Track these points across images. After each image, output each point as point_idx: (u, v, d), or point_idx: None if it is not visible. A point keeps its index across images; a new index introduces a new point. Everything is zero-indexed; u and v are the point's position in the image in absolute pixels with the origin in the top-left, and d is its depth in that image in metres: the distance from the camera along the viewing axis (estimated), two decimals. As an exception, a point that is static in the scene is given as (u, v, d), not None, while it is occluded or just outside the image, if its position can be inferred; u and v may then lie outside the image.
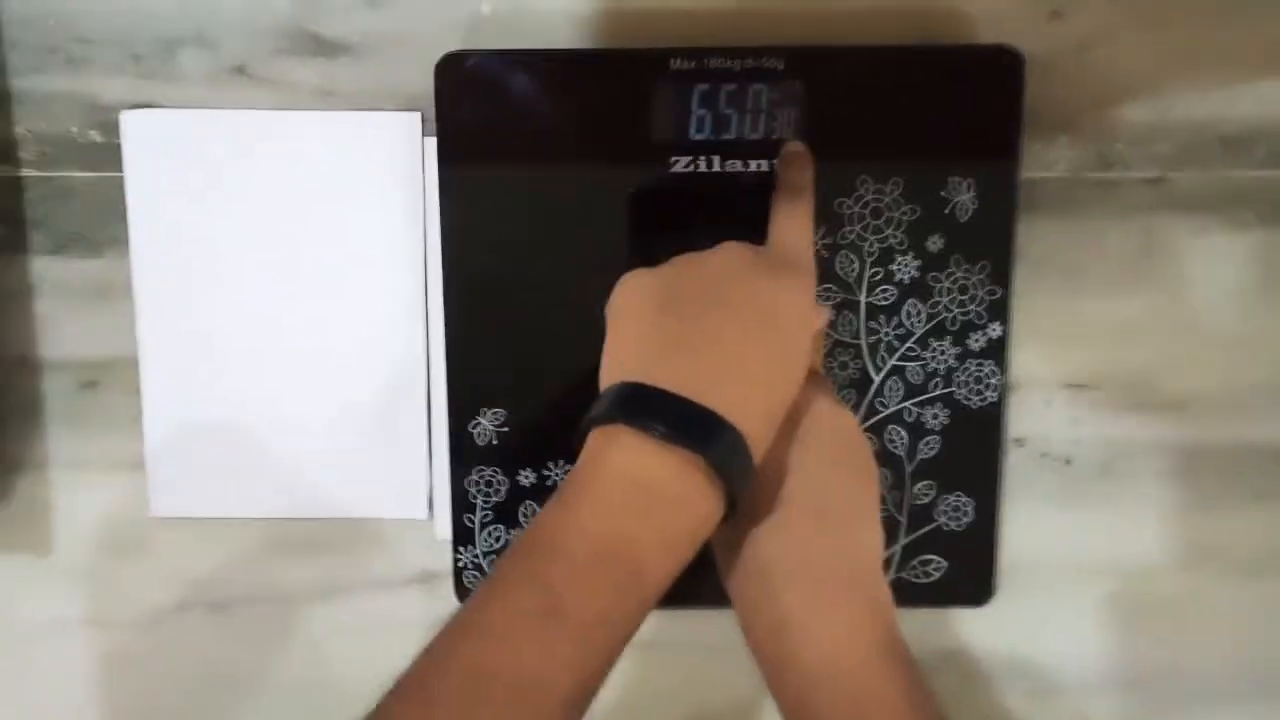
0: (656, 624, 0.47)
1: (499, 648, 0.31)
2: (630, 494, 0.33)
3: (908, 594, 0.44)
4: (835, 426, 0.38)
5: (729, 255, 0.37)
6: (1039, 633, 0.48)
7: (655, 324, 0.36)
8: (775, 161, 0.42)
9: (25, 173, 0.45)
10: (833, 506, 0.36)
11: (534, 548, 0.33)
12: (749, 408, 0.34)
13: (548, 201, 0.44)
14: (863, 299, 0.44)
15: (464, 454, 0.45)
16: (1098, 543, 0.47)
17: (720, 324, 0.35)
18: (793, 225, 0.39)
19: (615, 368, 0.36)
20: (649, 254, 0.43)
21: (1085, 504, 0.47)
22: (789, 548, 0.36)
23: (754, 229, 0.42)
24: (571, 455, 0.44)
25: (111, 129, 0.45)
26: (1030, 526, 0.47)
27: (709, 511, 0.34)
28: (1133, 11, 0.44)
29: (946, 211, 0.43)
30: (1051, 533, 0.47)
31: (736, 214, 0.43)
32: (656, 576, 0.33)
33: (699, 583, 0.45)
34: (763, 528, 0.36)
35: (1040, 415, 0.46)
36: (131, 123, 0.45)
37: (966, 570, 0.46)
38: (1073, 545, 0.47)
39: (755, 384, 0.35)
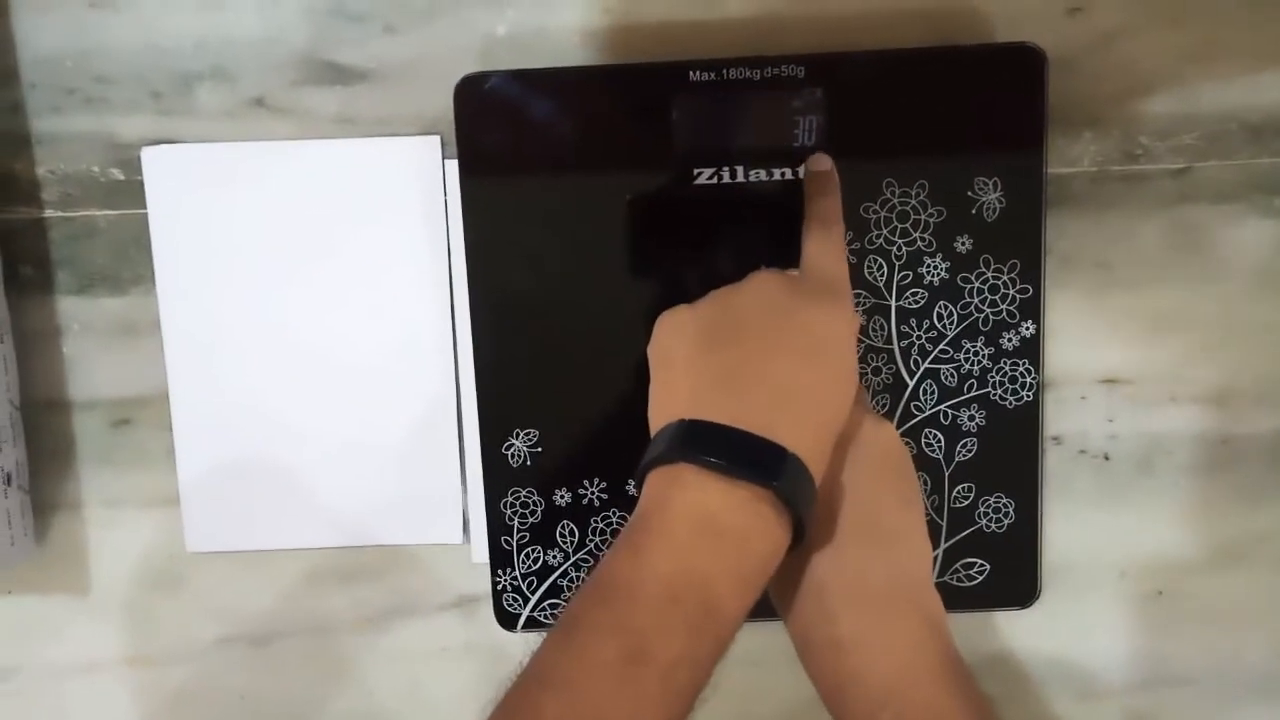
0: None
1: (585, 699, 0.30)
2: (700, 532, 0.32)
3: (951, 598, 0.43)
4: (876, 440, 0.38)
5: (765, 285, 0.37)
6: (1085, 633, 0.47)
7: (702, 361, 0.35)
8: (801, 174, 0.42)
9: (48, 214, 0.46)
10: (882, 522, 0.36)
11: (606, 594, 0.32)
12: (805, 435, 0.34)
13: (572, 219, 0.43)
14: (893, 303, 0.44)
15: (498, 476, 0.45)
16: (1139, 539, 0.47)
17: (767, 355, 0.35)
18: (826, 250, 0.39)
19: (666, 408, 0.36)
20: (676, 267, 0.43)
21: (1125, 500, 0.46)
22: (841, 567, 0.35)
23: (780, 238, 0.42)
24: (606, 472, 0.44)
25: (132, 166, 0.45)
26: (1071, 525, 0.46)
27: (778, 542, 0.33)
28: (1152, 4, 0.43)
29: (974, 212, 0.43)
30: (1093, 530, 0.46)
31: (762, 224, 0.43)
32: (732, 611, 0.33)
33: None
34: (814, 547, 0.36)
35: (1076, 412, 0.46)
36: (152, 159, 0.45)
37: (1009, 572, 0.45)
38: (1114, 542, 0.47)
39: (808, 411, 0.35)
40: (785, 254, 0.43)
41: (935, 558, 0.45)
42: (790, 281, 0.37)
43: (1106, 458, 0.46)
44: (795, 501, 0.33)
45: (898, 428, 0.44)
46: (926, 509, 0.44)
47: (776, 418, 0.34)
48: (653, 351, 0.38)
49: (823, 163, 0.41)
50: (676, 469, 0.33)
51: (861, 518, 0.36)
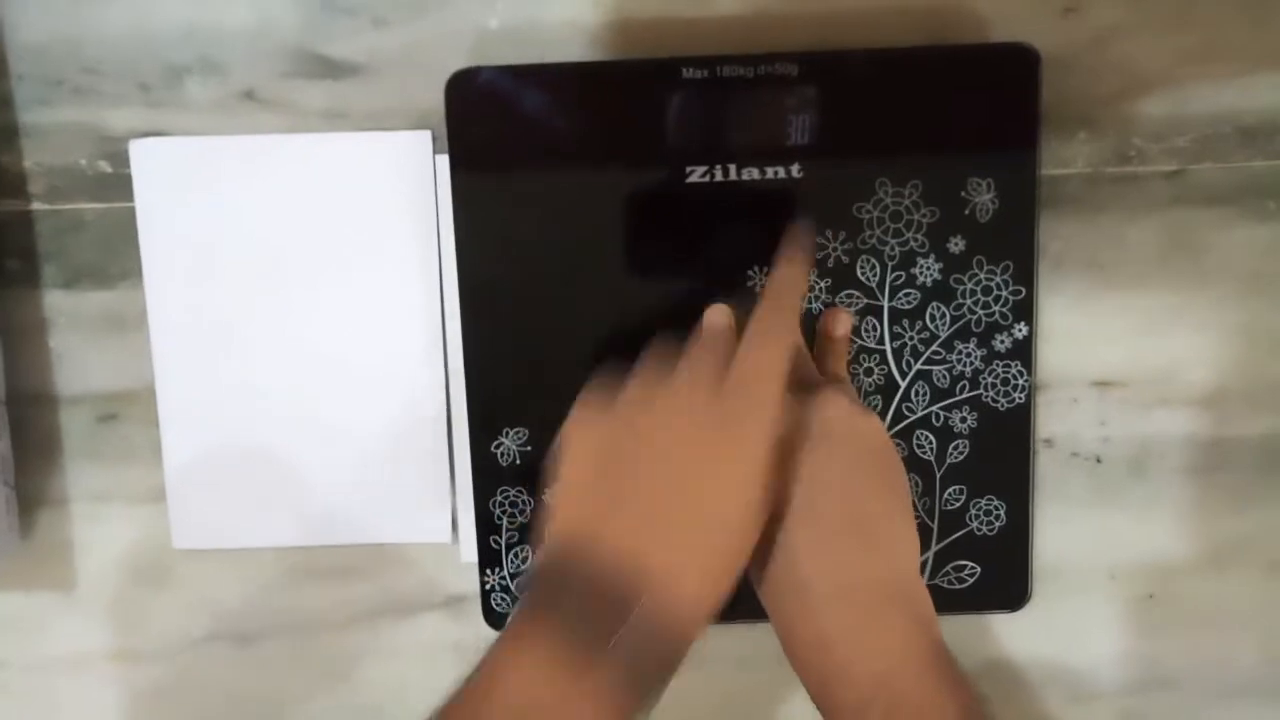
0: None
1: None
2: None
3: (942, 601, 0.43)
4: (861, 433, 0.37)
5: (679, 400, 0.36)
6: (1076, 636, 0.47)
7: (591, 482, 0.36)
8: (795, 172, 0.42)
9: (35, 206, 0.45)
10: (867, 518, 0.36)
11: None
12: (685, 570, 0.34)
13: (563, 216, 0.43)
14: (885, 304, 0.43)
15: (488, 475, 0.44)
16: (1131, 542, 0.47)
17: (656, 483, 0.35)
18: (762, 356, 0.36)
19: (554, 518, 0.36)
20: (668, 265, 0.43)
21: (1117, 503, 0.46)
22: (825, 565, 0.35)
23: (773, 236, 0.42)
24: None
25: (120, 159, 0.44)
26: (1063, 528, 0.46)
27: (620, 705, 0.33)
28: (1147, 5, 0.43)
29: (967, 212, 0.43)
30: (1084, 533, 0.46)
31: (755, 222, 0.43)
32: None
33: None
34: (798, 544, 0.35)
35: (1068, 415, 0.46)
36: (140, 152, 0.44)
37: (1000, 575, 0.45)
38: (1106, 545, 0.46)
39: (693, 545, 0.34)
40: (775, 253, 0.42)
41: (926, 560, 0.45)
42: (707, 396, 0.35)
43: (1098, 460, 0.46)
44: (636, 672, 0.33)
45: (889, 429, 0.44)
46: (917, 511, 0.44)
47: (653, 550, 0.33)
48: (555, 459, 0.37)
49: (795, 252, 0.40)
50: (529, 627, 0.34)
51: (846, 513, 0.36)
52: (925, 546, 0.45)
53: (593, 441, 0.37)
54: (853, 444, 0.37)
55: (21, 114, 0.44)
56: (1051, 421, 0.46)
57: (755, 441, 0.35)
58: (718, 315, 0.39)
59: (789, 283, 0.39)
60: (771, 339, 0.37)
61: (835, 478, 0.36)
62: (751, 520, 0.35)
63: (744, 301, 0.43)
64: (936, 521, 0.45)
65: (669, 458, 0.35)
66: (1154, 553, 0.47)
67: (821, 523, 0.35)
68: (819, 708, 0.35)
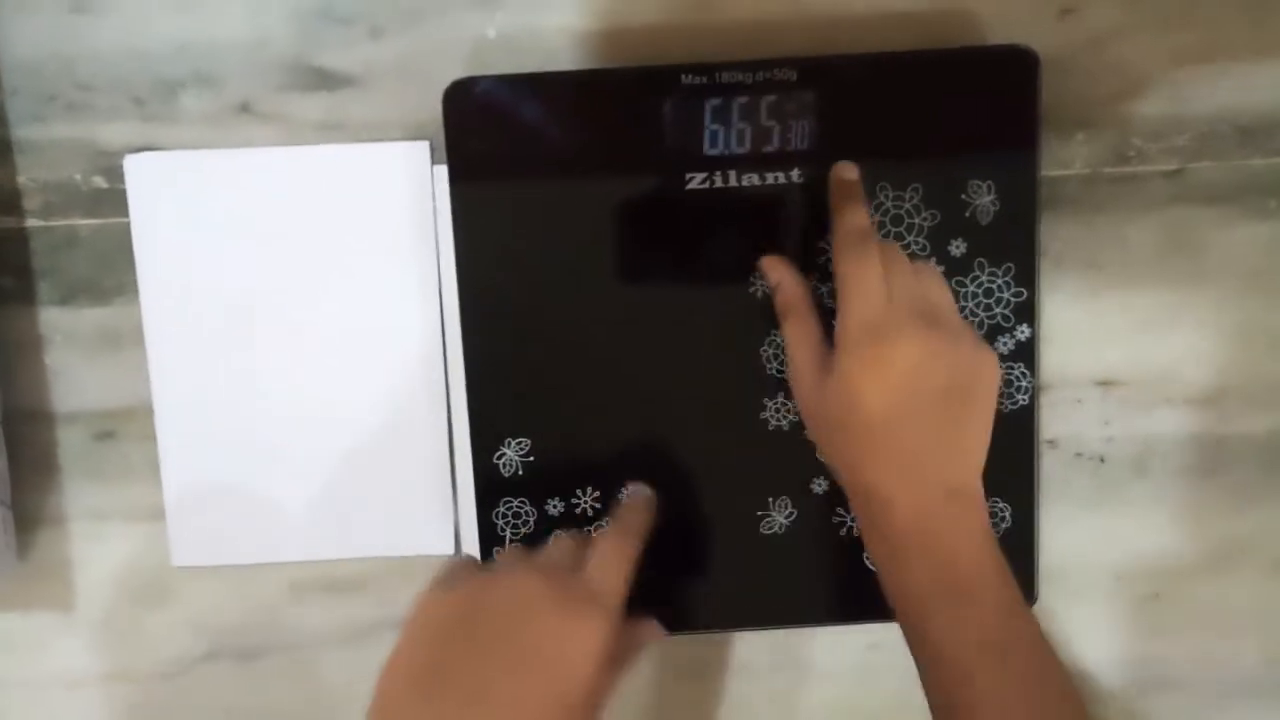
0: (690, 648, 0.46)
1: None
2: None
3: None
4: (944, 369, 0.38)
5: (525, 584, 0.37)
6: (1081, 636, 0.47)
7: (422, 660, 0.36)
8: (796, 176, 0.42)
9: (30, 223, 0.45)
10: (947, 421, 0.38)
11: None
12: None
13: (563, 224, 0.43)
14: (888, 308, 0.43)
15: (490, 486, 0.44)
16: (1135, 542, 0.47)
17: (485, 666, 0.35)
18: (611, 559, 0.38)
19: (377, 695, 0.36)
20: (669, 273, 0.43)
21: (1121, 503, 0.46)
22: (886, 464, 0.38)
23: (772, 243, 0.42)
24: (599, 481, 0.44)
25: (115, 174, 0.44)
26: (1068, 528, 0.46)
27: None
28: (1143, 6, 0.43)
29: (968, 215, 0.43)
30: (1089, 533, 0.46)
31: (754, 228, 0.43)
32: None
33: (730, 606, 0.45)
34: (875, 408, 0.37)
35: (1071, 415, 0.46)
36: (135, 167, 0.44)
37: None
38: (1110, 545, 0.46)
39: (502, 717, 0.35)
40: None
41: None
42: (551, 587, 0.37)
43: (1102, 460, 0.46)
44: None
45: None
46: None
47: None
48: (401, 629, 0.37)
49: (641, 487, 0.43)
50: None
51: (928, 408, 0.38)
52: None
53: (436, 615, 0.37)
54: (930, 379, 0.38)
55: (15, 130, 0.44)
56: (1055, 422, 0.46)
57: (591, 633, 0.36)
58: None
59: (635, 506, 0.42)
60: (623, 547, 0.39)
61: (925, 382, 0.37)
62: (581, 709, 0.36)
63: (744, 307, 0.43)
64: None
65: (502, 638, 0.36)
66: (1158, 553, 0.47)
67: (904, 404, 0.37)
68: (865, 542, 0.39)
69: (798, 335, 0.40)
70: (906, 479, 0.37)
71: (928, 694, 0.38)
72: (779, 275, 0.41)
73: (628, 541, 0.40)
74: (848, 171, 0.41)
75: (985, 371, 0.38)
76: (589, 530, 0.44)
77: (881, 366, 0.37)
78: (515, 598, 0.37)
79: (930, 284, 0.39)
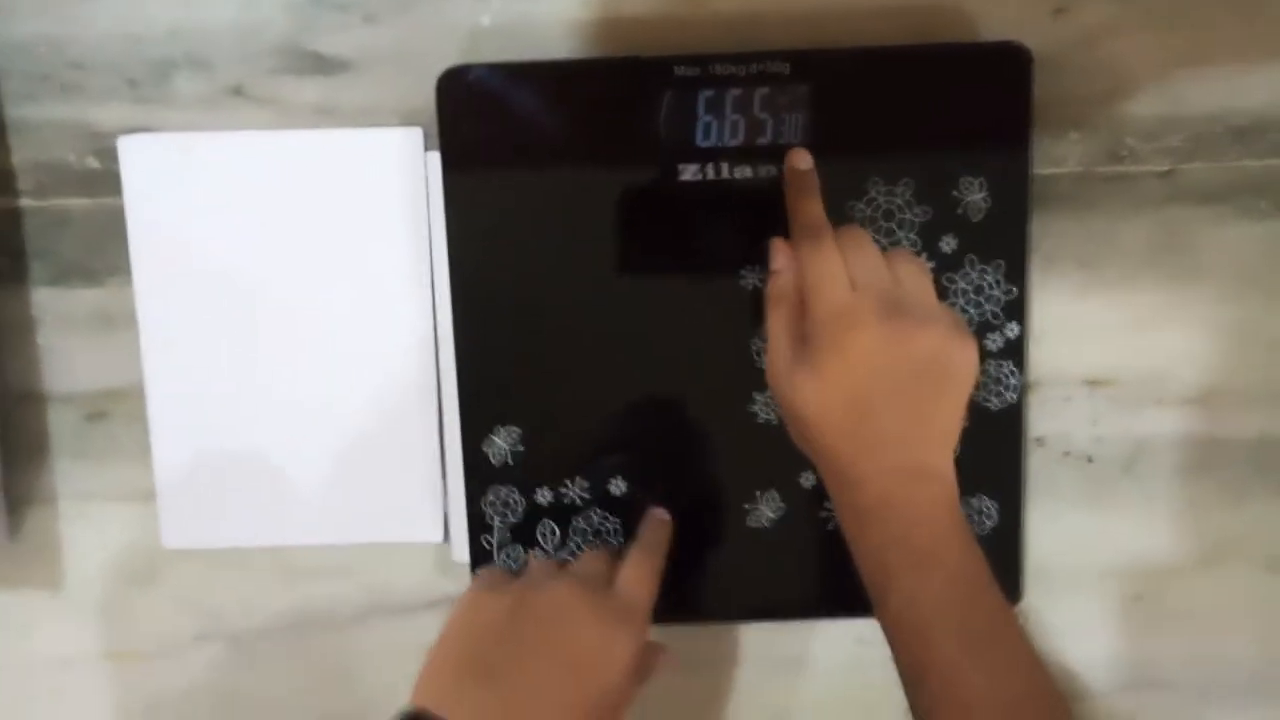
0: (678, 640, 0.47)
1: None
2: None
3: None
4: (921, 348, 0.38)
5: (566, 593, 0.39)
6: (1068, 635, 0.47)
7: (470, 651, 0.38)
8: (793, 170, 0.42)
9: (23, 202, 0.45)
10: (920, 399, 0.38)
11: None
12: None
13: (555, 213, 0.43)
14: (877, 302, 0.43)
15: (479, 474, 0.44)
16: (1122, 541, 0.47)
17: (530, 664, 0.38)
18: (640, 575, 0.41)
19: (424, 677, 0.38)
20: (661, 263, 0.43)
21: (1109, 502, 0.46)
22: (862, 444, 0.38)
23: (762, 234, 0.42)
24: (589, 471, 0.44)
25: (109, 155, 0.44)
26: (1055, 527, 0.46)
27: None
28: (1137, 5, 0.43)
29: (959, 212, 0.43)
30: (1076, 533, 0.46)
31: (746, 220, 0.43)
32: None
33: (718, 599, 0.45)
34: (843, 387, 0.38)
35: (1060, 414, 0.46)
36: (129, 148, 0.44)
37: (993, 574, 0.45)
38: (1098, 544, 0.47)
39: (546, 714, 0.37)
40: (768, 251, 0.42)
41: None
42: (592, 597, 0.39)
43: (1090, 459, 0.46)
44: None
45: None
46: None
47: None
48: (446, 623, 0.40)
49: (662, 513, 0.44)
50: None
51: (897, 388, 0.38)
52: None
53: (484, 614, 0.39)
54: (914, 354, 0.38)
55: (9, 109, 0.44)
56: (1043, 420, 0.46)
57: (627, 642, 0.39)
58: None
59: (657, 526, 0.44)
60: (648, 562, 0.42)
61: (895, 364, 0.38)
62: (603, 711, 0.38)
63: (735, 300, 0.43)
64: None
65: (546, 641, 0.38)
66: (1146, 552, 0.47)
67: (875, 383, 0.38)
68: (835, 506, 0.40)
69: (780, 325, 0.40)
70: (875, 460, 0.38)
71: (897, 665, 0.38)
72: (784, 261, 0.41)
73: (652, 560, 0.42)
74: (800, 161, 0.41)
75: (958, 355, 0.38)
76: (579, 520, 0.44)
77: (846, 354, 0.37)
78: (559, 605, 0.39)
79: (902, 269, 0.39)
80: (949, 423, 0.39)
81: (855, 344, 0.37)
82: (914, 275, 0.39)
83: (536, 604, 0.39)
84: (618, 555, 0.42)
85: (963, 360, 0.38)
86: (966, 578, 0.38)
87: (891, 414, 0.38)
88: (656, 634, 0.41)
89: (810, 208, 0.40)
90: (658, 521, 0.44)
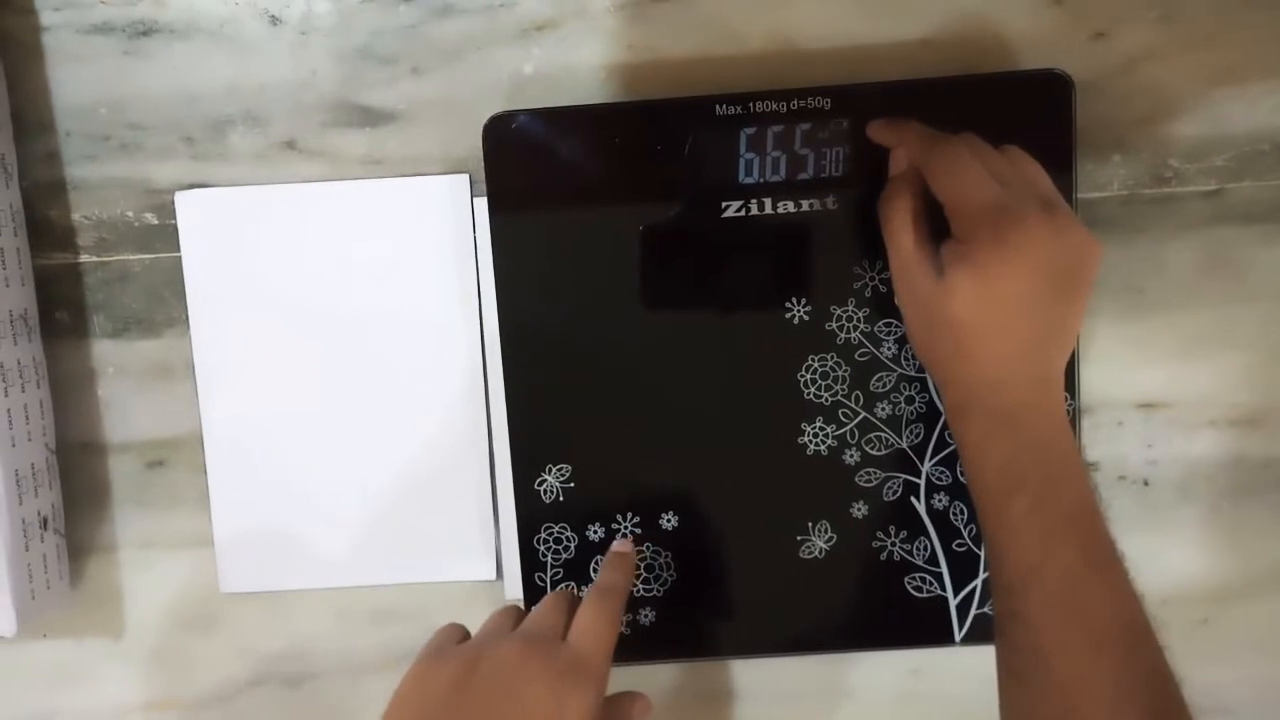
0: (730, 674, 0.46)
1: None
2: None
3: (990, 629, 0.43)
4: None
5: (513, 654, 0.37)
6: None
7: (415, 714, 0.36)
8: (831, 204, 0.42)
9: (84, 259, 0.46)
10: (1040, 306, 0.37)
11: None
12: None
13: (602, 254, 0.43)
14: (925, 332, 0.43)
15: (531, 512, 0.45)
16: (1181, 566, 0.46)
17: None
18: (594, 624, 0.38)
19: None
20: (706, 300, 0.43)
21: (1166, 526, 0.46)
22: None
23: (806, 268, 0.43)
24: (640, 506, 0.44)
25: (166, 211, 0.45)
26: (1112, 553, 0.46)
27: None
28: (1176, 27, 0.43)
29: (1004, 238, 0.43)
30: (1134, 557, 0.45)
31: (790, 255, 0.43)
32: None
33: (769, 632, 0.45)
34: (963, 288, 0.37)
35: (1114, 438, 0.45)
36: (185, 203, 0.45)
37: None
38: (1156, 569, 0.46)
39: None
40: (812, 284, 0.43)
41: (974, 589, 0.44)
42: (546, 652, 0.37)
43: (1146, 483, 0.46)
44: None
45: (931, 456, 0.44)
46: (966, 539, 0.44)
47: None
48: (392, 698, 0.37)
49: (624, 546, 0.43)
50: None
51: (1021, 294, 0.37)
52: (974, 575, 0.44)
53: (430, 681, 0.37)
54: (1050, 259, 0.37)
55: (70, 169, 0.45)
56: (1098, 445, 0.45)
57: (580, 698, 0.36)
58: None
59: (618, 565, 0.42)
60: (605, 610, 0.39)
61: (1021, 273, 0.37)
62: None
63: (781, 334, 0.43)
64: (985, 550, 0.44)
65: (495, 702, 0.36)
66: (1206, 577, 0.46)
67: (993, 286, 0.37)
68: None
69: (907, 235, 0.39)
70: (1020, 362, 0.37)
71: (1000, 575, 0.37)
72: (900, 135, 0.40)
73: (609, 604, 0.39)
74: (880, 127, 0.41)
75: (1096, 250, 0.38)
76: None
77: (1011, 250, 0.36)
78: (503, 670, 0.36)
79: (1026, 166, 0.39)
80: (1076, 328, 0.39)
81: (1020, 238, 0.36)
82: (1039, 171, 0.39)
83: (483, 669, 0.36)
84: (578, 600, 0.40)
85: (1096, 261, 0.38)
86: (1091, 497, 0.37)
87: (1038, 314, 0.37)
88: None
89: (918, 127, 0.40)
90: (616, 556, 0.42)
